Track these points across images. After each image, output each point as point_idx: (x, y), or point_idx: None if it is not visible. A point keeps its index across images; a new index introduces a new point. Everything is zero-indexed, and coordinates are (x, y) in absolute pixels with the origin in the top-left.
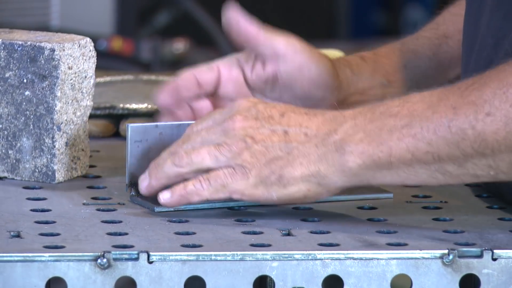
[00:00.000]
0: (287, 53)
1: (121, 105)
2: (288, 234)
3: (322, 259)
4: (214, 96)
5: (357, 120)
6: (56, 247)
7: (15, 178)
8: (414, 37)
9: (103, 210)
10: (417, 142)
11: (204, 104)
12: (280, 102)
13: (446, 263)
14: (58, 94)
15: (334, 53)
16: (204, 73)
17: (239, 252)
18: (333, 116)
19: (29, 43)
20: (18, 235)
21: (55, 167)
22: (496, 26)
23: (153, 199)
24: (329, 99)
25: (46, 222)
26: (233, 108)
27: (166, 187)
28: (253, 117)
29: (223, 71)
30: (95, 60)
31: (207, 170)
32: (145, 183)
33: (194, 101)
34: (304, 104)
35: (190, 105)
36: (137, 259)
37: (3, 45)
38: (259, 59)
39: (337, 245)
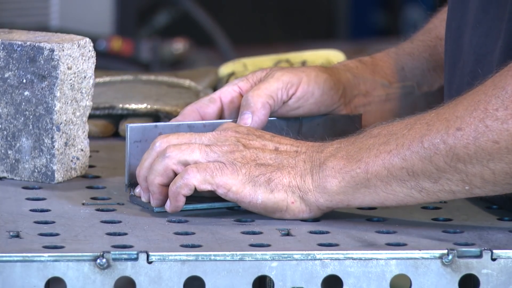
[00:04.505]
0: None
1: (121, 105)
2: (287, 234)
3: (322, 259)
4: None
5: (341, 144)
6: (55, 247)
7: (15, 178)
8: (409, 41)
9: (102, 210)
10: (392, 158)
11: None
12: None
13: (446, 263)
14: (58, 94)
15: (334, 53)
16: (206, 106)
17: (238, 252)
18: (322, 142)
19: (28, 43)
20: (17, 235)
21: (55, 167)
22: (478, 43)
23: None
24: (336, 105)
25: (46, 222)
26: (220, 127)
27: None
28: (244, 133)
29: (225, 100)
30: (95, 60)
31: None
32: (143, 193)
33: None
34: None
35: None
36: (136, 259)
37: (2, 45)
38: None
39: (337, 245)
